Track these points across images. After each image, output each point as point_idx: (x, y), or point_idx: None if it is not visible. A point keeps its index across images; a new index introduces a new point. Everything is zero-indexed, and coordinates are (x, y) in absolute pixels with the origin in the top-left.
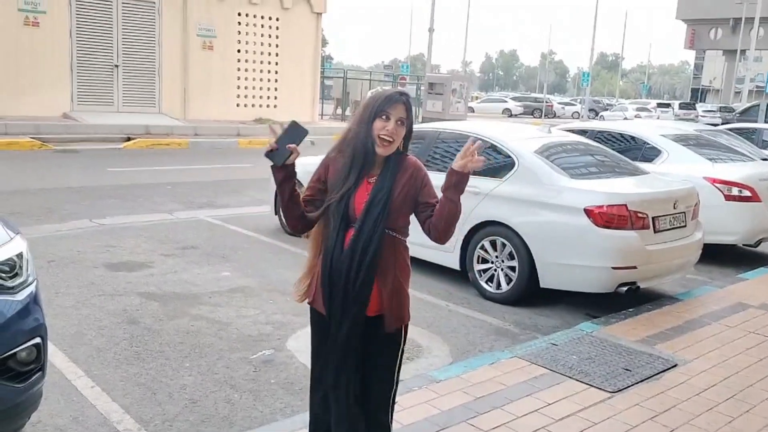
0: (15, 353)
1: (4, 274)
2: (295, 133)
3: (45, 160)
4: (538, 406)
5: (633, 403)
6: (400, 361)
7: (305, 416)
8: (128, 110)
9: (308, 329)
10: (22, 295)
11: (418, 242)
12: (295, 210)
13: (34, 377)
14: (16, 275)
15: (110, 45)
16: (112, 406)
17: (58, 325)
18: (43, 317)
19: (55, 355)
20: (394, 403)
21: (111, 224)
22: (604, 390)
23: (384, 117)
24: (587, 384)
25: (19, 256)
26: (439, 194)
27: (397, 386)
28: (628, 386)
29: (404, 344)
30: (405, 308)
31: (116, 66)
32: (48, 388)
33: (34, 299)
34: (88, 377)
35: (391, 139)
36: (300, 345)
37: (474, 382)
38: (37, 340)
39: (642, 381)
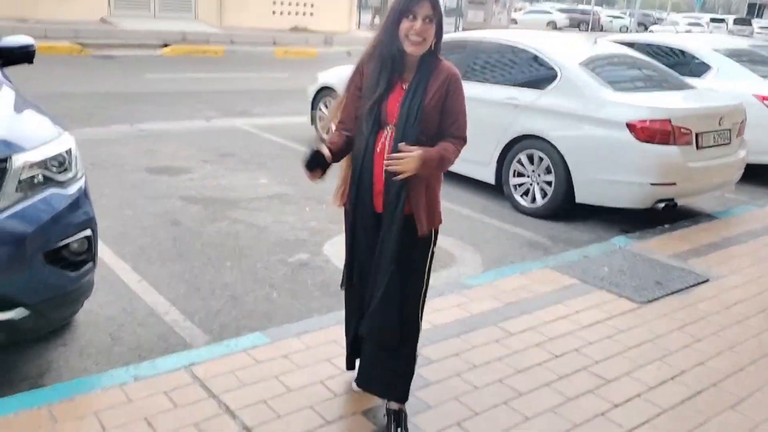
0: (67, 244)
1: (54, 168)
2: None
3: (84, 65)
4: (566, 313)
5: (662, 314)
6: (431, 262)
7: (340, 314)
8: (165, 16)
9: (343, 236)
10: (71, 189)
11: None
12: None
13: (85, 267)
14: (65, 170)
15: None
16: (158, 299)
17: (104, 224)
18: (93, 212)
19: (103, 252)
20: (423, 303)
21: (150, 129)
22: (633, 301)
23: (410, 17)
24: (617, 294)
25: (68, 152)
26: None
27: (427, 287)
28: (658, 298)
29: (434, 246)
30: (436, 211)
31: None
32: (98, 282)
33: (84, 193)
34: (136, 272)
35: (420, 39)
36: (335, 250)
37: (504, 289)
38: (88, 232)
39: (672, 293)
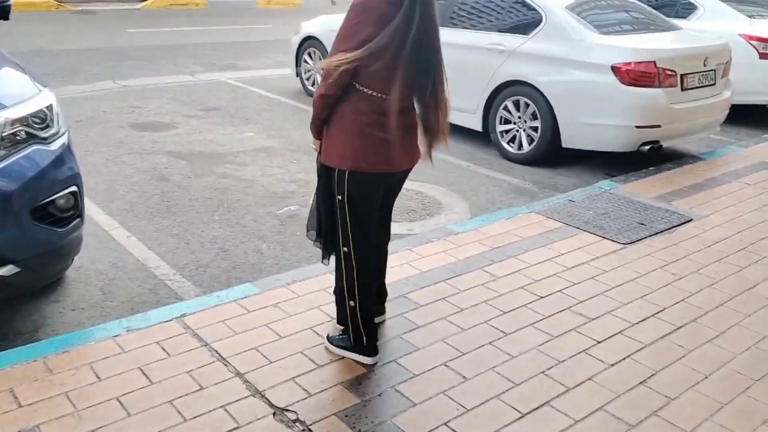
0: (53, 200)
1: (36, 125)
2: None
3: (63, 21)
4: (551, 256)
5: (644, 253)
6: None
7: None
8: None
9: None
10: (55, 145)
11: None
12: None
13: (73, 223)
14: (47, 126)
15: None
16: (148, 254)
17: (91, 181)
18: (78, 167)
19: (90, 209)
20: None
21: (134, 85)
22: (617, 242)
23: None
24: (601, 236)
25: (49, 108)
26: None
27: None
28: (642, 239)
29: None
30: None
31: None
32: (87, 239)
33: (68, 149)
34: (124, 228)
35: None
36: None
37: (490, 234)
38: (74, 188)
39: (655, 234)
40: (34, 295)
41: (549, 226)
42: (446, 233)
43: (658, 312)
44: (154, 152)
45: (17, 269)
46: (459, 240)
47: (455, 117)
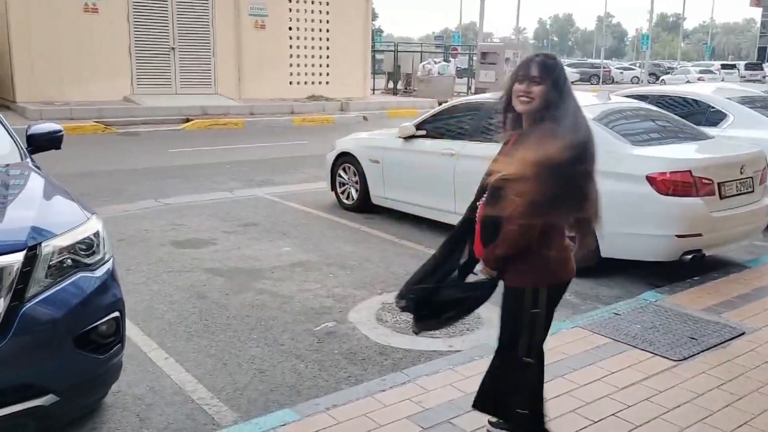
0: (96, 327)
1: (83, 252)
2: None
3: (109, 143)
4: (601, 375)
5: (699, 371)
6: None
7: (369, 385)
8: (185, 92)
9: (368, 302)
10: (100, 272)
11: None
12: None
13: (114, 349)
14: (94, 253)
15: (166, 28)
16: (185, 377)
17: (131, 300)
18: (121, 292)
19: (129, 329)
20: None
21: (175, 203)
22: (669, 359)
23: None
24: (651, 353)
25: (96, 234)
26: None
27: None
28: (694, 354)
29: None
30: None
31: (173, 48)
32: (125, 360)
33: (112, 275)
34: (162, 349)
35: (528, 98)
36: (361, 317)
37: None
38: (116, 314)
39: (708, 349)
40: (71, 422)
41: (595, 341)
42: (489, 350)
43: None
44: (193, 269)
45: (57, 398)
46: None
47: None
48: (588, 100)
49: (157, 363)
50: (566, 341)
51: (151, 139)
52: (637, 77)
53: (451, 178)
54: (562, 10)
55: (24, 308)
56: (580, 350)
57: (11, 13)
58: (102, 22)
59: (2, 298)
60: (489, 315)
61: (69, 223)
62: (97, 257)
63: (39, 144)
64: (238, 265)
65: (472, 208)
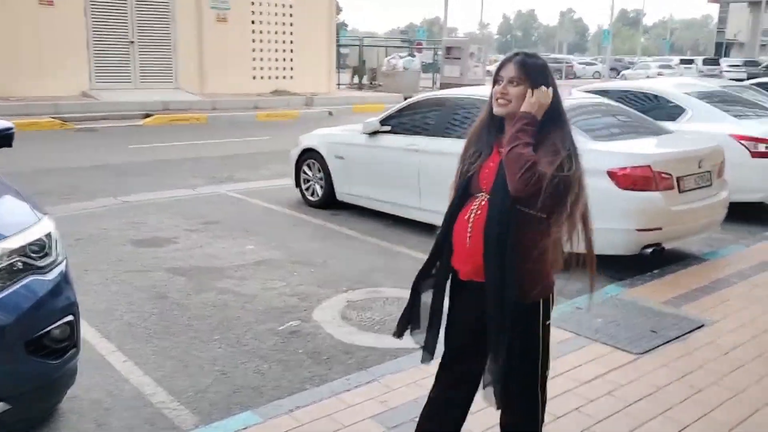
0: (49, 331)
1: (34, 255)
2: None
3: (66, 139)
4: (564, 369)
5: (660, 364)
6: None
7: (333, 385)
8: (146, 86)
9: (333, 300)
10: (52, 275)
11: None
12: None
13: (68, 354)
14: (46, 255)
15: (125, 21)
16: (144, 380)
17: (89, 301)
18: (75, 295)
19: (87, 331)
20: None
21: (135, 201)
22: (630, 352)
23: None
24: (613, 346)
25: (48, 236)
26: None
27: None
28: (655, 347)
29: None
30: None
31: (132, 42)
32: (82, 364)
33: (65, 278)
34: (121, 352)
35: (505, 100)
36: (326, 315)
37: None
38: (70, 317)
39: (668, 342)
40: (24, 430)
41: (558, 336)
42: None
43: (681, 429)
44: (153, 269)
45: (8, 406)
46: None
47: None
48: None
49: (115, 366)
50: None
51: (109, 135)
52: (599, 72)
53: (416, 174)
54: (525, 6)
55: None
56: None
57: None
58: (58, 15)
59: None
60: None
61: (19, 224)
62: (49, 259)
63: None
64: (199, 263)
65: (450, 218)
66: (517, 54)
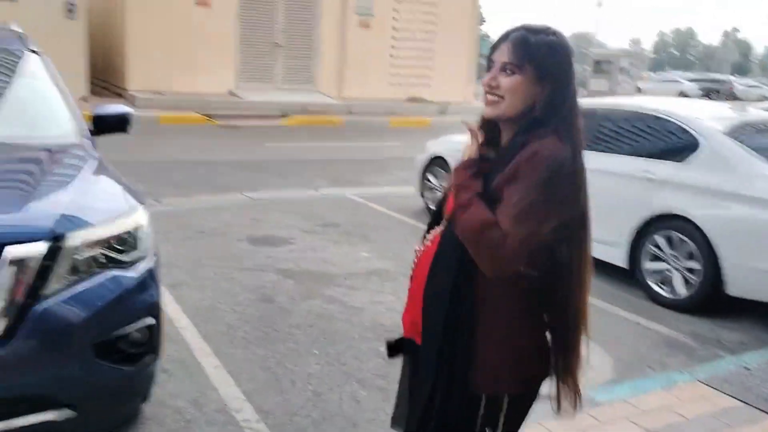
0: (124, 334)
1: (119, 247)
2: None
3: (209, 135)
4: None
5: None
6: None
7: None
8: (287, 88)
9: None
10: (136, 272)
11: None
12: None
13: (144, 360)
14: (132, 249)
15: (273, 24)
16: (234, 391)
17: (195, 297)
18: (159, 296)
19: (186, 330)
20: None
21: (260, 198)
22: None
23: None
24: None
25: (137, 228)
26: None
27: None
28: None
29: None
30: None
31: (276, 44)
32: (175, 365)
33: (151, 276)
34: (215, 356)
35: (495, 95)
36: None
37: (644, 409)
38: (150, 320)
39: None
40: None
41: (721, 403)
42: (587, 403)
43: None
44: (265, 269)
45: (72, 413)
46: (603, 414)
47: (595, 248)
48: (720, 110)
49: (206, 371)
50: (683, 399)
51: (249, 133)
52: (765, 96)
53: None
54: (683, 23)
55: (38, 307)
56: (701, 412)
57: (127, 4)
58: (213, 15)
59: (15, 295)
60: (586, 354)
61: (107, 212)
62: (136, 254)
63: (104, 126)
64: (311, 267)
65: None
66: (516, 29)
